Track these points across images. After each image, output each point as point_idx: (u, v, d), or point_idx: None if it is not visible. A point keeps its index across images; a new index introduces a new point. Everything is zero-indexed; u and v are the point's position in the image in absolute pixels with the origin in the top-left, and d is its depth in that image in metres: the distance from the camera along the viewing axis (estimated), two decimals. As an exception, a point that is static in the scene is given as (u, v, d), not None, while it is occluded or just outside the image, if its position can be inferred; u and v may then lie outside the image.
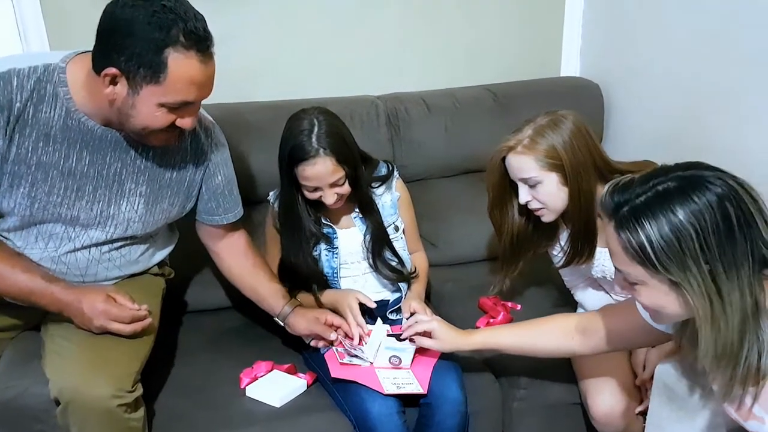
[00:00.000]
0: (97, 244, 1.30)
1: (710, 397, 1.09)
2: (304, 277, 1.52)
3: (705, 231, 0.88)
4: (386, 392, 1.31)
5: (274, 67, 1.98)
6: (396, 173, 1.61)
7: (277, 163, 1.46)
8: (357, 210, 1.56)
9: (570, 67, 2.26)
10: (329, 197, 1.43)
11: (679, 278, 0.90)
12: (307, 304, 1.49)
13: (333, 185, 1.42)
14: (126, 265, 1.37)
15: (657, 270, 0.91)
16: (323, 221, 1.53)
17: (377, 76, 2.05)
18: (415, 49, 2.09)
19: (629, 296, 1.44)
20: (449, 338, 1.33)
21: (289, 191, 1.46)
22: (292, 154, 1.38)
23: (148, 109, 1.12)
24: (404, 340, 1.38)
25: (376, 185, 1.56)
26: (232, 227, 1.47)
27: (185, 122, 1.16)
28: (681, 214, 0.89)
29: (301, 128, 1.39)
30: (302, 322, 1.43)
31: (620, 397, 1.35)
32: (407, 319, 1.43)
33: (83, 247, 1.29)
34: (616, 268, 0.98)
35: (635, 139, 1.89)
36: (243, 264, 1.48)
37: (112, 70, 1.09)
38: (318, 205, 1.49)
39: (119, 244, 1.33)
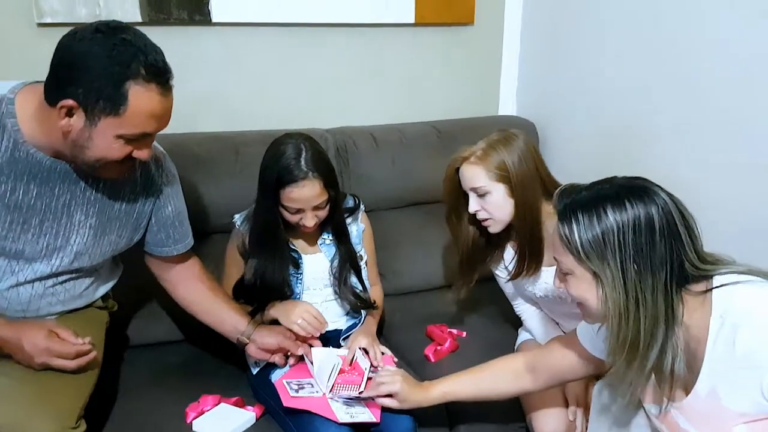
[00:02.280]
0: (41, 278, 1.26)
1: (643, 417, 1.15)
2: (268, 296, 1.52)
3: (627, 229, 0.97)
4: (340, 421, 1.31)
5: (221, 99, 1.98)
6: (362, 206, 1.66)
7: (258, 185, 1.48)
8: (324, 236, 1.59)
9: (507, 106, 2.38)
10: (309, 220, 1.46)
11: (597, 269, 0.98)
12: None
13: (315, 208, 1.45)
14: (70, 300, 1.33)
15: (581, 258, 1.00)
16: (290, 245, 1.55)
17: (326, 110, 2.09)
18: (363, 85, 2.15)
19: (565, 315, 1.54)
20: (411, 397, 1.34)
21: (272, 213, 1.47)
22: (281, 177, 1.41)
23: (106, 141, 1.11)
24: (363, 396, 1.37)
25: (345, 216, 1.60)
26: (185, 255, 1.46)
27: (142, 153, 1.16)
28: (610, 211, 0.98)
29: (289, 152, 1.42)
30: (270, 336, 1.43)
31: (563, 420, 1.42)
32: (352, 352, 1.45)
33: (26, 282, 1.25)
34: (555, 258, 1.07)
35: (568, 173, 2.00)
36: (199, 289, 1.46)
37: (69, 102, 1.07)
38: (288, 230, 1.51)
39: (64, 278, 1.30)
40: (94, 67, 1.05)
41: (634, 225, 0.97)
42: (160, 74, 1.10)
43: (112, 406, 1.43)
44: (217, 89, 1.97)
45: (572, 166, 2.06)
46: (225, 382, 1.53)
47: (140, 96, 1.08)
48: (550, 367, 1.27)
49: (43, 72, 1.14)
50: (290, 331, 1.45)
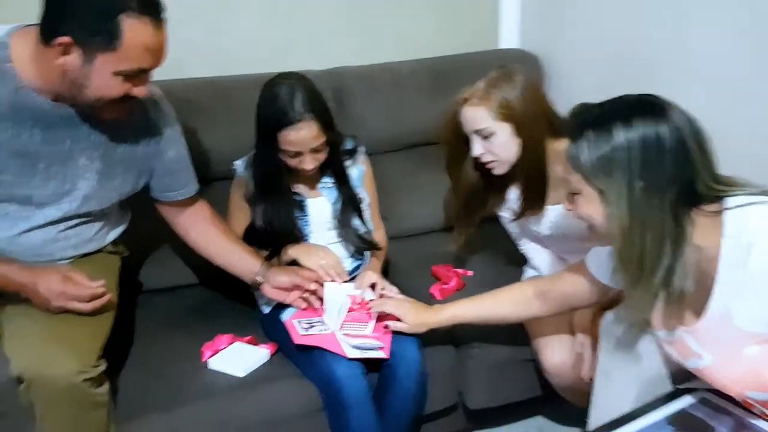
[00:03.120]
0: (52, 223, 1.27)
1: (654, 344, 1.17)
2: (281, 240, 1.53)
3: (635, 146, 0.96)
4: (349, 357, 1.34)
5: (211, 43, 1.92)
6: (362, 148, 1.65)
7: (256, 130, 1.46)
8: (324, 180, 1.58)
9: (509, 38, 2.26)
10: (309, 163, 1.45)
11: (604, 186, 0.99)
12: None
13: (314, 151, 1.44)
14: (81, 244, 1.35)
15: (588, 176, 1.00)
16: (293, 189, 1.55)
17: (320, 51, 2.03)
18: (355, 23, 2.07)
19: (572, 251, 1.54)
20: (419, 319, 1.37)
21: (271, 156, 1.47)
22: (277, 120, 1.39)
23: (104, 78, 1.10)
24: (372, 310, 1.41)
25: (344, 158, 1.59)
26: (193, 199, 1.47)
27: (140, 90, 1.15)
28: (619, 128, 0.97)
29: (283, 93, 1.40)
30: (283, 275, 1.45)
31: (570, 351, 1.44)
32: (361, 289, 1.47)
33: (38, 227, 1.26)
34: (564, 178, 1.07)
35: (575, 111, 1.97)
36: (211, 232, 1.48)
37: (65, 39, 1.06)
38: (289, 174, 1.51)
39: (74, 222, 1.31)
40: (87, 2, 1.04)
41: (643, 142, 0.96)
42: (152, 7, 1.09)
43: (130, 349, 1.48)
44: (207, 33, 1.91)
45: (579, 101, 2.01)
46: (238, 322, 1.56)
47: (134, 29, 1.07)
48: (559, 293, 1.29)
49: (29, 17, 1.11)
50: (309, 271, 1.46)
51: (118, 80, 1.11)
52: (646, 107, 0.99)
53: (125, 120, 1.26)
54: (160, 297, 1.70)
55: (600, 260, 1.19)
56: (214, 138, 1.76)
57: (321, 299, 1.47)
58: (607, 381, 1.25)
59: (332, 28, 2.06)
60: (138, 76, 1.14)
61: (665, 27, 1.70)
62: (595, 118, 1.00)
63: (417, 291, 1.67)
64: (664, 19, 1.70)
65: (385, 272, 1.70)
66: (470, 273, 1.77)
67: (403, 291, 1.58)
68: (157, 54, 1.13)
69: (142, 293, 1.70)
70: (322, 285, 1.46)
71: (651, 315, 1.11)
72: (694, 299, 1.04)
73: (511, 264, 1.77)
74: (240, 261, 1.47)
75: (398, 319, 1.39)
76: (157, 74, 1.18)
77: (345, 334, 1.40)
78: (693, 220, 0.99)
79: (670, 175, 0.96)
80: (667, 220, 0.97)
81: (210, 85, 1.81)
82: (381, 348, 1.37)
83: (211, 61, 1.91)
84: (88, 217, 1.33)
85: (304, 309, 1.47)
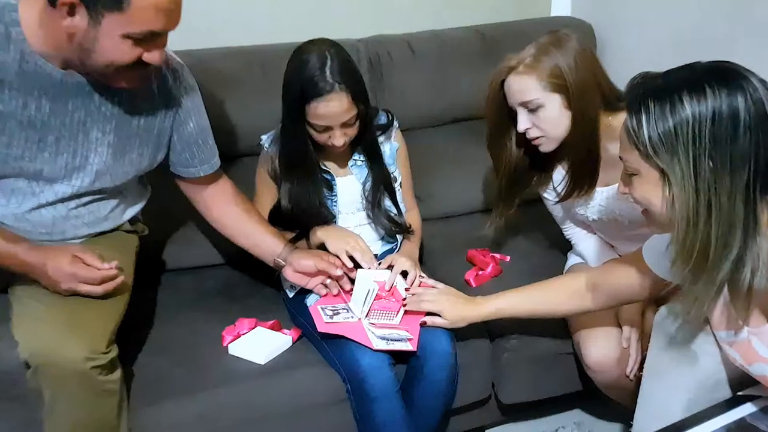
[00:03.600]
0: (63, 200, 1.23)
1: (712, 344, 1.07)
2: (308, 221, 1.46)
3: (704, 119, 0.85)
4: (375, 348, 1.28)
5: (241, 9, 1.84)
6: (396, 123, 1.56)
7: (282, 102, 1.39)
8: (355, 157, 1.51)
9: (561, 5, 2.17)
10: (338, 138, 1.36)
11: (666, 166, 0.88)
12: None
13: (344, 125, 1.36)
14: (95, 222, 1.31)
15: (647, 154, 0.90)
16: (321, 167, 1.48)
17: (358, 17, 1.95)
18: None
19: (623, 238, 1.43)
20: (458, 314, 1.30)
21: (299, 132, 1.38)
22: (305, 91, 1.31)
23: (112, 41, 1.04)
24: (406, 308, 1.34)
25: (377, 134, 1.50)
26: (214, 176, 1.42)
27: (153, 56, 1.08)
28: (686, 100, 0.86)
29: (312, 62, 1.31)
30: (307, 259, 1.38)
31: (615, 345, 1.34)
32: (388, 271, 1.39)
33: (48, 204, 1.22)
34: (620, 158, 0.97)
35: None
36: (233, 212, 1.43)
37: None
38: (317, 150, 1.44)
39: (87, 199, 1.27)
40: None
41: (714, 115, 0.85)
42: None
43: (149, 330, 1.44)
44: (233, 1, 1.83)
45: (633, 74, 1.88)
46: (262, 305, 1.52)
47: None
48: (612, 287, 1.21)
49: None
50: (335, 256, 1.39)
51: (127, 44, 1.05)
52: (719, 75, 0.87)
53: (141, 90, 1.20)
54: (183, 277, 1.66)
55: (658, 251, 1.08)
56: (244, 111, 1.70)
57: (341, 286, 1.40)
58: (656, 381, 1.16)
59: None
60: (150, 40, 1.07)
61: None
62: (659, 88, 0.89)
63: (451, 277, 1.59)
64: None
65: (419, 257, 1.61)
66: (508, 258, 1.69)
67: (436, 276, 1.51)
68: (169, 15, 1.05)
69: (165, 272, 1.67)
70: (346, 272, 1.38)
71: (711, 312, 1.01)
72: (764, 297, 0.93)
73: (552, 250, 1.69)
74: (262, 242, 1.41)
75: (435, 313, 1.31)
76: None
77: (371, 323, 1.33)
78: None
79: (745, 154, 0.85)
80: (738, 205, 0.87)
81: (241, 55, 1.75)
82: (409, 340, 1.29)
83: (243, 29, 1.83)
84: (102, 193, 1.29)
85: (324, 295, 1.41)
